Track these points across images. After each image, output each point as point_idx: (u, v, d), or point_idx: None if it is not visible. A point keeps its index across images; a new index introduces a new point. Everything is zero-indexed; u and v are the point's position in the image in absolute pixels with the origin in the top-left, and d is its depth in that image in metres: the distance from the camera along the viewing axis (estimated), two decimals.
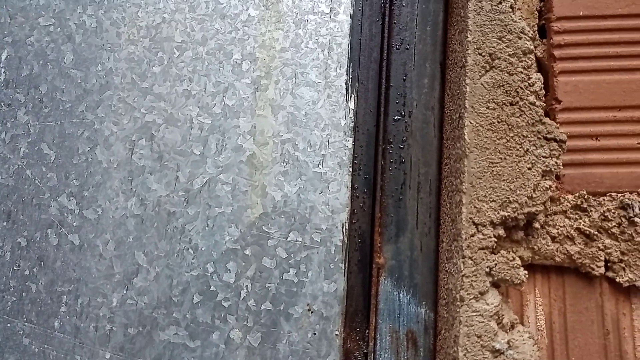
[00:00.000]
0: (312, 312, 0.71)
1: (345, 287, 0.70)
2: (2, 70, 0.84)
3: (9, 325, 0.77)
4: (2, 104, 0.83)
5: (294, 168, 0.75)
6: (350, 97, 0.76)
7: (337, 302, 0.70)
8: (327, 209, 0.73)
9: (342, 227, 0.72)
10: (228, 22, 0.81)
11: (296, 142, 0.76)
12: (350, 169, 0.73)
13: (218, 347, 0.71)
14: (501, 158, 0.57)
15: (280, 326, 0.71)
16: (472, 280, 0.55)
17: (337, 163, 0.74)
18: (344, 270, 0.71)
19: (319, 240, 0.72)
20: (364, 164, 0.73)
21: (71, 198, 0.78)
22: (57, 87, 0.82)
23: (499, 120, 0.58)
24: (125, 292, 0.75)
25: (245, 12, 0.81)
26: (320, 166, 0.75)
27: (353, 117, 0.75)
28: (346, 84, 0.76)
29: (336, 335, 0.70)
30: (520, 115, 0.58)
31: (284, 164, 0.75)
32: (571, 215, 0.58)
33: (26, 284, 0.77)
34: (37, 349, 0.75)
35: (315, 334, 0.70)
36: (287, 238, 0.73)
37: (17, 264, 0.78)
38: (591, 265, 0.57)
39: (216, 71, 0.79)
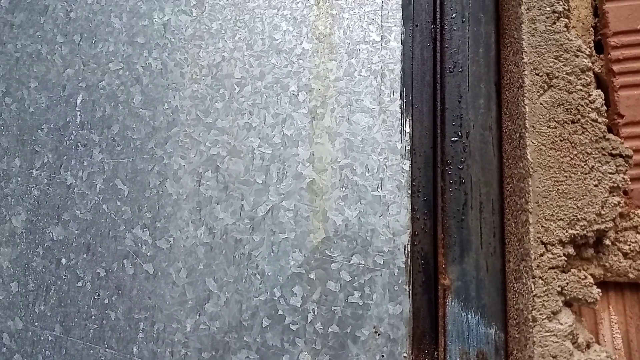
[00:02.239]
0: (379, 335, 0.72)
1: (411, 309, 0.71)
2: (78, 113, 0.91)
3: (91, 351, 0.81)
4: (79, 144, 0.90)
5: (353, 192, 0.77)
6: (405, 120, 0.77)
7: (403, 324, 0.71)
8: (388, 232, 0.75)
9: (405, 249, 0.73)
10: (284, 57, 0.85)
11: (354, 167, 0.78)
12: (409, 191, 0.75)
13: None
14: (566, 176, 0.57)
15: (348, 349, 0.72)
16: (543, 300, 0.55)
17: (395, 186, 0.76)
18: (409, 292, 0.72)
19: (381, 263, 0.74)
20: (422, 185, 0.75)
21: (145, 229, 0.83)
22: (127, 126, 0.88)
23: (562, 139, 0.58)
24: (198, 317, 0.78)
25: (299, 46, 0.84)
26: (379, 189, 0.76)
27: (409, 140, 0.77)
28: (400, 108, 0.78)
29: (404, 357, 0.70)
30: (583, 132, 0.58)
31: (343, 188, 0.78)
32: None
33: (106, 312, 0.82)
34: None
35: (383, 356, 0.71)
36: (350, 261, 0.75)
37: (97, 294, 0.83)
38: None
39: (274, 103, 0.83)
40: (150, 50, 0.90)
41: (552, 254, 0.56)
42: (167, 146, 0.86)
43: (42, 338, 0.84)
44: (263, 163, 0.81)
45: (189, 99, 0.87)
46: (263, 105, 0.83)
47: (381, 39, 0.81)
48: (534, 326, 0.55)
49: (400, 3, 0.81)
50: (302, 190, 0.79)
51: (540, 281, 0.56)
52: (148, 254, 0.82)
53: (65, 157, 0.90)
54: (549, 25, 0.61)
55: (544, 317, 0.55)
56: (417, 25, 0.79)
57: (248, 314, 0.77)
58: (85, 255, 0.85)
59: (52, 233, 0.87)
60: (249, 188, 0.81)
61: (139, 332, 0.80)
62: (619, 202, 0.56)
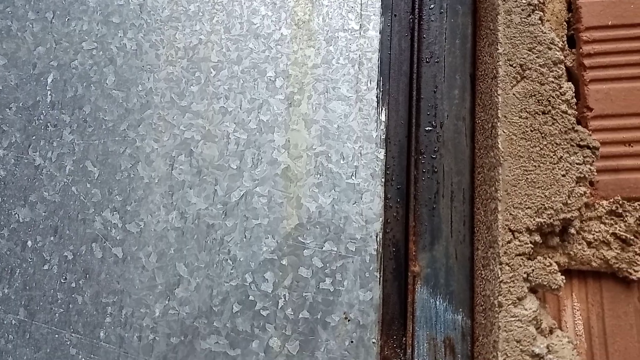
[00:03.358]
0: (348, 321, 0.72)
1: (381, 295, 0.72)
2: (49, 92, 0.89)
3: (56, 336, 0.80)
4: (49, 124, 0.88)
5: (327, 180, 0.77)
6: (382, 109, 0.78)
7: (373, 310, 0.72)
8: (361, 219, 0.75)
9: (377, 237, 0.74)
10: (262, 42, 0.84)
11: (329, 155, 0.78)
12: (383, 180, 0.75)
13: (258, 356, 0.73)
14: (535, 166, 0.58)
15: (318, 334, 0.73)
16: (509, 286, 0.56)
17: (369, 174, 0.76)
18: (380, 278, 0.72)
19: (353, 250, 0.74)
20: (396, 174, 0.75)
21: (114, 213, 0.82)
22: (100, 107, 0.87)
23: (532, 129, 0.59)
24: (167, 302, 0.77)
25: (277, 31, 0.84)
26: (353, 177, 0.77)
27: (384, 129, 0.77)
28: (377, 97, 0.78)
29: (373, 343, 0.71)
30: (553, 123, 0.59)
31: (318, 176, 0.78)
32: (606, 221, 0.59)
33: (72, 296, 0.80)
34: (84, 359, 0.78)
35: (352, 342, 0.72)
36: (322, 248, 0.75)
37: (64, 277, 0.81)
38: (628, 270, 0.57)
39: (251, 88, 0.83)
40: (125, 31, 0.88)
41: (519, 241, 0.57)
42: (140, 129, 0.84)
43: (5, 322, 0.82)
44: (238, 148, 0.81)
45: (164, 82, 0.85)
46: (239, 90, 0.83)
47: (360, 27, 0.81)
48: (500, 311, 0.56)
49: None
50: (277, 176, 0.79)
51: (507, 267, 0.57)
52: (117, 237, 0.81)
53: (34, 137, 0.88)
54: (524, 18, 0.62)
55: (510, 302, 0.56)
56: (395, 15, 0.80)
57: (218, 299, 0.76)
58: (52, 238, 0.83)
59: (18, 215, 0.85)
60: (223, 173, 0.80)
61: (106, 317, 0.79)
62: (584, 192, 0.58)
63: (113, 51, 0.88)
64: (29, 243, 0.84)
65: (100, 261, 0.81)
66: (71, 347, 0.79)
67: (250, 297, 0.75)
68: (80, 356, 0.78)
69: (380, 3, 0.82)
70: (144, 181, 0.82)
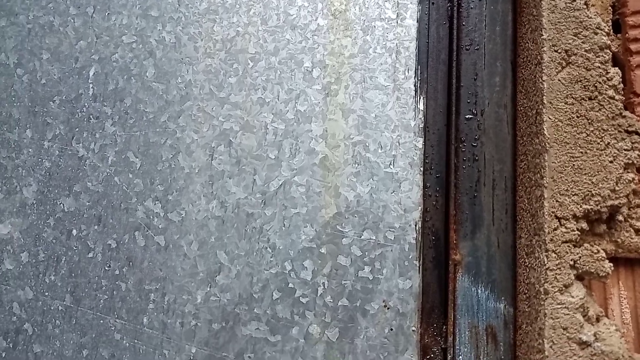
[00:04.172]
0: (388, 309, 0.73)
1: (420, 283, 0.72)
2: (90, 85, 0.91)
3: (101, 321, 0.82)
4: (91, 116, 0.90)
5: (365, 169, 0.78)
6: (420, 98, 0.78)
7: (412, 298, 0.72)
8: (400, 208, 0.75)
9: (416, 225, 0.74)
10: (298, 32, 0.85)
11: (367, 144, 0.78)
12: (422, 168, 0.75)
13: (298, 342, 0.74)
14: (582, 152, 0.58)
15: (357, 322, 0.73)
16: (556, 274, 0.56)
17: (408, 163, 0.76)
18: (419, 267, 0.72)
19: (392, 239, 0.74)
20: (435, 163, 0.75)
21: (156, 202, 0.84)
22: (140, 100, 0.88)
23: (578, 115, 0.58)
24: (208, 289, 0.79)
25: (314, 22, 0.84)
26: (391, 166, 0.77)
27: (423, 118, 0.77)
28: (415, 85, 0.78)
29: (413, 330, 0.71)
30: (600, 109, 0.58)
31: (356, 165, 0.78)
32: None
33: (116, 283, 0.83)
34: (127, 344, 0.80)
35: (392, 329, 0.72)
36: (361, 237, 0.76)
37: (108, 265, 0.84)
38: None
39: (288, 79, 0.83)
40: (164, 24, 0.90)
41: (566, 228, 0.56)
42: (180, 120, 0.86)
43: (52, 308, 0.85)
44: (276, 138, 0.82)
45: (203, 74, 0.87)
46: (277, 80, 0.84)
47: (397, 16, 0.81)
48: (546, 299, 0.56)
49: None
50: (315, 166, 0.79)
51: (554, 255, 0.56)
52: (160, 226, 0.83)
53: (77, 129, 0.90)
54: (568, 3, 0.61)
55: (556, 289, 0.55)
56: (433, 3, 0.79)
57: (259, 286, 0.77)
58: (96, 227, 0.86)
59: (63, 204, 0.88)
60: (262, 163, 0.81)
61: (149, 303, 0.81)
62: (633, 179, 0.57)
63: (152, 44, 0.90)
64: (74, 232, 0.86)
65: (143, 249, 0.83)
66: (115, 332, 0.81)
67: (290, 285, 0.76)
68: (124, 341, 0.81)
69: None
70: (184, 171, 0.84)
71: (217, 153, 0.83)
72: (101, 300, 0.83)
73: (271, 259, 0.78)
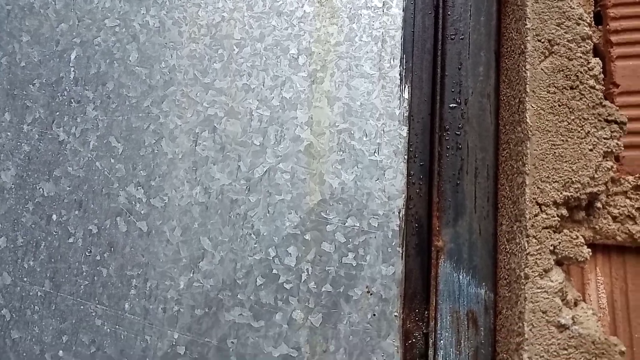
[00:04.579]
0: (371, 294, 0.73)
1: (403, 270, 0.73)
2: (72, 69, 0.90)
3: (82, 307, 0.81)
4: (72, 100, 0.89)
5: (350, 156, 0.78)
6: (405, 87, 0.78)
7: (395, 284, 0.73)
8: (384, 195, 0.76)
9: (399, 213, 0.75)
10: (284, 19, 0.84)
11: (352, 132, 0.79)
12: (406, 157, 0.76)
13: (281, 327, 0.75)
14: (563, 140, 0.59)
15: (340, 307, 0.74)
16: (536, 259, 0.57)
17: (392, 151, 0.77)
18: (402, 253, 0.73)
19: (376, 225, 0.75)
20: (419, 151, 0.76)
21: (139, 187, 0.83)
22: (123, 84, 0.87)
23: (560, 104, 0.60)
24: (191, 275, 0.79)
25: (300, 8, 0.84)
26: (376, 154, 0.77)
27: (407, 107, 0.78)
28: (400, 74, 0.79)
29: (395, 316, 0.72)
30: (581, 98, 0.60)
31: (341, 152, 0.78)
32: (632, 196, 0.59)
33: (97, 268, 0.82)
34: (109, 330, 0.80)
35: (374, 315, 0.73)
36: (345, 223, 0.76)
37: (88, 250, 0.83)
38: None
39: (274, 66, 0.83)
40: (147, 8, 0.89)
41: (546, 214, 0.58)
42: (164, 105, 0.85)
43: (30, 293, 0.84)
44: (261, 125, 0.81)
45: (187, 59, 0.86)
46: (262, 67, 0.83)
47: (383, 4, 0.81)
48: (526, 283, 0.57)
49: None
50: (300, 153, 0.79)
51: (534, 240, 0.57)
52: (142, 212, 0.82)
53: (57, 113, 0.89)
54: None
55: (536, 274, 0.57)
56: None
57: (242, 272, 0.77)
58: (76, 212, 0.84)
59: (42, 189, 0.86)
60: (246, 149, 0.81)
61: (131, 289, 0.80)
62: (611, 167, 0.58)
63: (136, 28, 0.89)
64: (54, 217, 0.85)
65: (124, 235, 0.82)
66: (96, 318, 0.80)
67: (274, 271, 0.76)
68: (105, 327, 0.80)
69: None
70: (167, 157, 0.83)
71: (201, 139, 0.83)
72: (81, 286, 0.82)
73: (255, 245, 0.78)
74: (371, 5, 0.82)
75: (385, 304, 0.73)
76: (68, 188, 0.86)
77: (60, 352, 0.80)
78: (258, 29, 0.84)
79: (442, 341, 0.67)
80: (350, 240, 0.75)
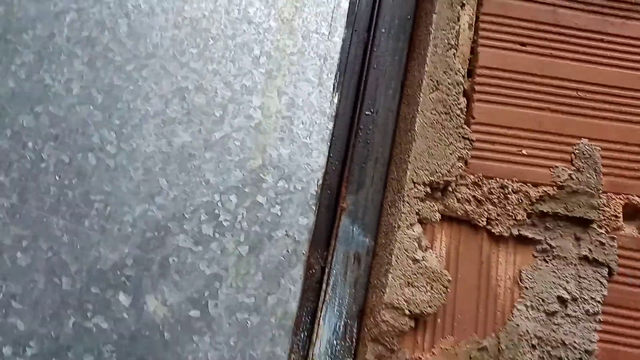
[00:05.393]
0: (288, 237, 0.98)
1: (314, 222, 0.99)
2: (66, 29, 1.07)
3: (45, 219, 0.97)
4: (62, 54, 1.06)
5: (288, 137, 1.04)
6: (335, 94, 1.06)
7: (307, 231, 0.98)
8: (309, 168, 1.02)
9: (318, 182, 1.01)
10: (253, 27, 1.10)
11: (292, 120, 1.05)
12: (329, 144, 1.03)
13: (215, 253, 0.96)
14: (435, 145, 0.89)
15: (264, 243, 0.98)
16: (406, 216, 0.86)
17: (320, 138, 1.04)
18: (315, 210, 0.99)
19: (300, 189, 1.01)
20: (339, 141, 1.03)
21: (112, 132, 1.02)
22: (110, 49, 1.06)
23: (437, 122, 0.90)
24: (147, 206, 0.98)
25: (267, 22, 1.10)
26: (307, 139, 1.04)
27: (335, 109, 1.05)
28: (333, 85, 1.07)
29: (303, 254, 0.97)
30: (450, 121, 0.91)
31: (282, 133, 1.04)
32: (470, 188, 0.91)
33: (64, 190, 0.98)
34: (67, 240, 0.96)
35: (288, 251, 0.97)
36: (277, 184, 1.01)
37: (58, 175, 0.99)
38: (478, 220, 0.90)
39: (239, 60, 1.07)
40: None
41: (417, 189, 0.87)
42: (144, 72, 1.06)
43: None
44: (223, 101, 1.05)
45: (169, 40, 1.08)
46: (230, 59, 1.07)
47: (329, 33, 1.10)
48: (398, 231, 0.85)
49: (347, 11, 1.11)
50: (250, 128, 1.04)
51: (407, 204, 0.86)
52: (112, 152, 1.01)
53: (46, 61, 1.05)
54: (444, 51, 0.94)
55: (405, 226, 0.85)
56: (356, 30, 1.09)
57: (190, 209, 0.99)
58: (52, 143, 1.01)
59: (23, 120, 1.01)
60: (208, 118, 1.04)
61: (92, 210, 0.98)
62: (461, 166, 0.90)
63: (128, 7, 1.09)
64: (30, 144, 1.00)
65: (93, 167, 1.00)
66: (57, 229, 0.96)
67: (216, 211, 0.99)
68: (64, 237, 0.96)
69: (345, 19, 1.11)
70: (141, 112, 1.03)
71: (172, 104, 1.04)
72: (47, 203, 0.98)
73: (204, 191, 1.00)
74: (320, 32, 1.10)
75: (297, 244, 0.98)
76: (47, 123, 1.02)
77: (19, 253, 0.95)
78: (231, 30, 1.09)
79: (334, 271, 0.93)
80: (278, 196, 1.00)
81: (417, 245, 0.86)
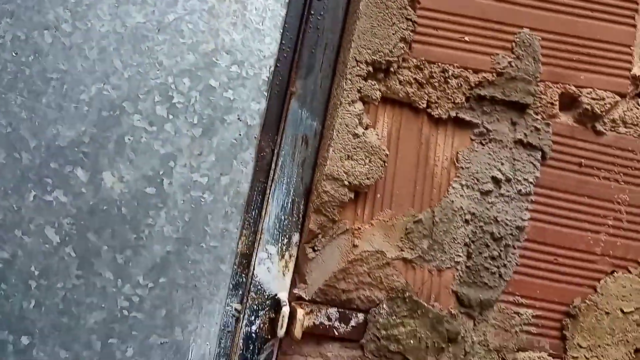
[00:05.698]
0: (240, 121, 1.02)
1: (266, 107, 1.03)
2: None
3: (3, 96, 0.99)
4: None
5: (241, 22, 1.05)
6: None
7: (258, 116, 1.03)
8: (261, 54, 1.04)
9: (270, 68, 1.04)
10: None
11: (246, 4, 1.06)
12: (281, 30, 1.05)
13: (169, 134, 1.01)
14: (378, 24, 0.92)
15: (216, 127, 1.02)
16: (348, 93, 0.90)
17: (272, 25, 1.05)
18: (267, 95, 1.03)
19: (252, 74, 1.04)
20: (291, 27, 1.05)
21: (67, 10, 1.02)
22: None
23: (381, 1, 0.93)
24: (102, 85, 1.01)
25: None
26: (260, 25, 1.05)
27: None
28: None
29: (255, 137, 1.02)
30: (395, 1, 0.93)
31: (235, 18, 1.05)
32: (412, 71, 0.94)
33: (21, 67, 1.00)
34: (25, 116, 0.99)
35: (240, 134, 1.02)
36: (230, 69, 1.04)
37: (15, 52, 1.01)
38: (419, 102, 0.94)
39: None
40: None
41: (360, 67, 0.91)
42: None
43: None
44: None
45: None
46: None
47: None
48: (340, 107, 0.90)
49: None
50: (204, 11, 1.05)
51: (349, 82, 0.90)
52: (67, 30, 1.02)
53: None
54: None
55: (346, 102, 0.90)
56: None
57: (144, 90, 1.02)
58: (8, 20, 1.01)
59: None
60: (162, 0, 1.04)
61: (49, 88, 1.00)
62: (403, 48, 0.93)
63: None
64: None
65: (49, 45, 1.01)
66: (15, 106, 0.99)
67: (170, 93, 1.02)
68: (22, 114, 0.99)
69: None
70: None
71: None
72: (5, 80, 1.00)
73: (157, 72, 1.02)
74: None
75: (249, 128, 1.02)
76: None
77: None
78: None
79: (282, 152, 0.99)
80: (231, 81, 1.03)
81: (357, 121, 0.90)
